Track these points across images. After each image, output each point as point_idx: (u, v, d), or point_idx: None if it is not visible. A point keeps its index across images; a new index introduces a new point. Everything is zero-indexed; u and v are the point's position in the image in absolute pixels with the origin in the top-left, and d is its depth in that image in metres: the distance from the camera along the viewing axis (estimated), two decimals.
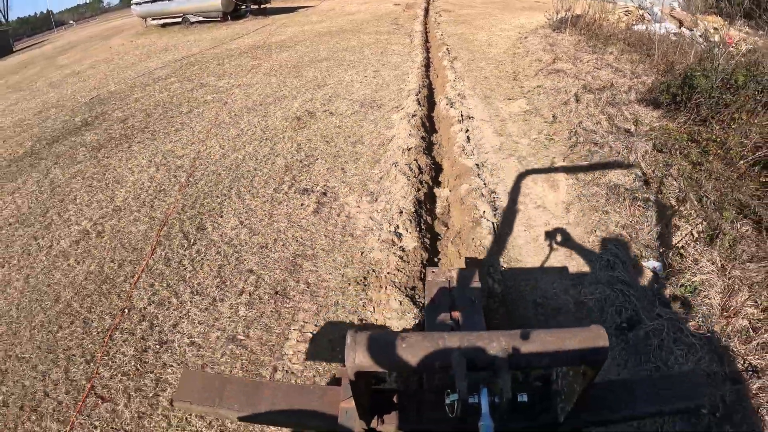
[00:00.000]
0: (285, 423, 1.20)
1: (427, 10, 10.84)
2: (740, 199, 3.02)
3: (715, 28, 8.51)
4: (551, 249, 2.72)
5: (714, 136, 3.89)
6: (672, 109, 4.49)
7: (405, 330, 2.18)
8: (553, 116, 4.50)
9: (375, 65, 6.70)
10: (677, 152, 3.70)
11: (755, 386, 1.81)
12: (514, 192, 3.28)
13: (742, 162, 3.53)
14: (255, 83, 6.42)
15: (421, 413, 1.07)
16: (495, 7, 11.86)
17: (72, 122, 6.56)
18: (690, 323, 2.19)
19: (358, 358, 0.85)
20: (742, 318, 2.21)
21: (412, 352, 0.85)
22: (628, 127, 4.26)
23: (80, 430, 1.98)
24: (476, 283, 1.56)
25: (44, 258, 3.29)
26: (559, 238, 2.80)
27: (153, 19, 14.63)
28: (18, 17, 43.72)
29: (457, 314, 1.43)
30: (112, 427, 1.97)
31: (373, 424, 1.08)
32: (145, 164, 4.40)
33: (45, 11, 44.50)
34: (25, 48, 24.96)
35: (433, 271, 1.66)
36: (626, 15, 8.65)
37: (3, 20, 33.36)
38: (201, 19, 13.42)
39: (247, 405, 1.13)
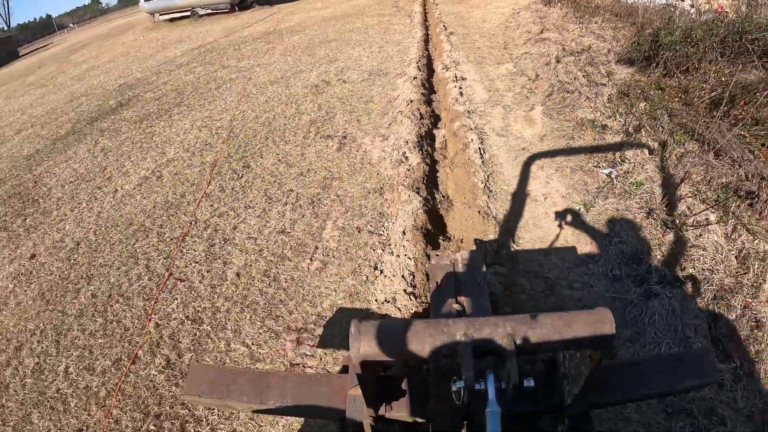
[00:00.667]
0: (293, 412, 1.23)
1: None
2: (692, 127, 3.84)
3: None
4: (528, 162, 3.57)
5: (676, 83, 4.70)
6: (644, 65, 5.29)
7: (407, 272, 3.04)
8: (536, 75, 5.33)
9: (379, 42, 7.56)
10: (640, 96, 4.52)
11: (694, 234, 2.66)
12: (498, 129, 4.14)
13: (698, 101, 4.34)
14: (273, 62, 7.32)
15: (428, 400, 1.10)
16: None
17: (106, 105, 7.50)
18: (635, 206, 3.02)
19: (363, 347, 0.86)
20: (682, 203, 3.03)
21: (418, 340, 0.86)
22: (602, 81, 5.09)
23: (163, 303, 2.84)
24: (481, 266, 1.57)
25: (111, 199, 4.21)
26: (534, 155, 3.65)
27: (161, 15, 15.60)
28: (17, 23, 45.07)
29: (462, 299, 1.45)
30: (189, 297, 2.84)
31: (381, 411, 1.10)
32: (188, 128, 5.32)
33: (44, 16, 45.91)
34: (29, 52, 26.14)
35: (437, 254, 1.66)
36: None
37: (6, 26, 34.70)
38: (209, 11, 14.37)
39: (255, 396, 1.16)
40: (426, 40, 7.51)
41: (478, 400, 0.86)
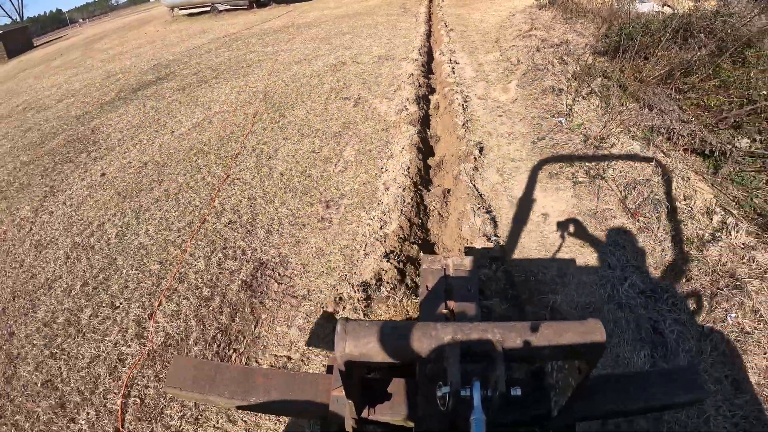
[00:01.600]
0: (276, 410, 1.27)
1: None
2: (636, 94, 5.16)
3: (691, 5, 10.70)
4: (500, 116, 4.89)
5: (635, 66, 6.06)
6: (613, 55, 6.66)
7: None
8: (518, 61, 6.70)
9: (388, 36, 8.99)
10: (600, 74, 5.87)
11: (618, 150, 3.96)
12: (480, 95, 5.47)
13: (648, 78, 5.68)
14: (295, 48, 8.73)
15: (412, 405, 1.12)
16: None
17: (145, 79, 8.87)
18: (576, 138, 4.31)
19: (348, 347, 0.88)
20: (613, 137, 4.30)
21: (405, 342, 0.88)
22: (574, 67, 6.45)
23: (224, 192, 4.09)
24: (472, 272, 1.61)
25: (170, 137, 5.51)
26: (505, 113, 4.98)
27: (181, 9, 17.19)
28: (27, 17, 47.20)
29: (452, 304, 1.48)
30: (245, 187, 4.07)
31: (364, 413, 1.13)
32: (228, 92, 6.67)
33: (54, 10, 48.08)
34: (43, 44, 27.81)
35: (428, 259, 1.68)
36: None
37: (19, 18, 36.65)
38: (228, 7, 15.95)
39: (238, 392, 1.19)
40: (428, 35, 8.93)
41: (464, 407, 0.87)
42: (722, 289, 2.38)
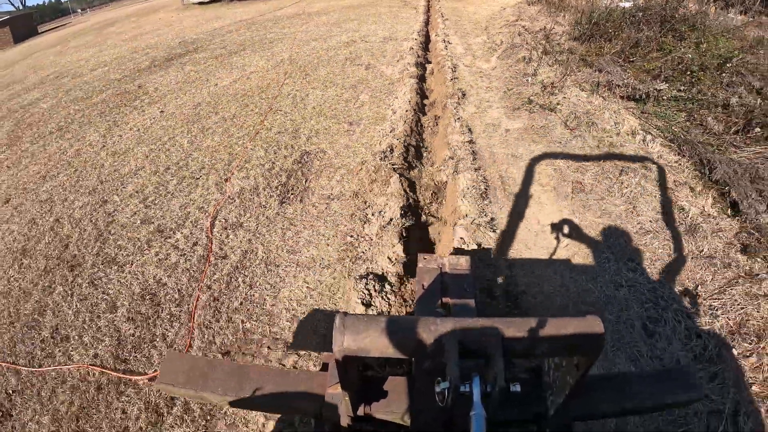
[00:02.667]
0: (270, 407, 1.31)
1: None
2: (591, 62, 6.71)
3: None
4: (480, 77, 6.42)
5: (597, 45, 7.64)
6: (584, 40, 8.25)
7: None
8: (501, 42, 8.27)
9: (390, 23, 10.56)
10: (566, 51, 7.43)
11: (564, 94, 5.49)
12: (467, 64, 7.01)
13: (607, 54, 7.25)
14: (310, 30, 10.27)
15: (410, 402, 1.15)
16: None
17: (174, 52, 10.31)
18: (537, 88, 5.82)
19: (346, 341, 0.91)
20: (566, 88, 5.82)
21: (404, 336, 0.91)
22: (545, 45, 8.03)
23: (270, 118, 5.55)
24: (468, 271, 1.67)
25: (214, 87, 6.96)
26: (485, 76, 6.51)
27: None
28: (28, 5, 48.52)
29: (448, 301, 1.55)
30: (285, 116, 5.55)
31: (360, 411, 1.16)
32: (258, 59, 8.17)
33: (53, 0, 49.50)
34: (47, 30, 29.12)
35: (425, 258, 1.73)
36: None
37: (21, 6, 38.05)
38: None
39: (232, 388, 1.22)
40: (426, 23, 10.53)
41: (462, 404, 0.89)
42: (632, 165, 3.88)
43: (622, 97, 5.54)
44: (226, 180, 4.22)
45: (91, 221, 3.89)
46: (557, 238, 3.04)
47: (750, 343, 2.14)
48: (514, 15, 10.51)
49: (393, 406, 1.19)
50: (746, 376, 2.01)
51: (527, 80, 6.11)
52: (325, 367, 1.33)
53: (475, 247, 2.89)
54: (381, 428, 1.20)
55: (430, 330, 0.92)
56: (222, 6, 17.52)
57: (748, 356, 2.08)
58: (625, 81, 5.61)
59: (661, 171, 3.65)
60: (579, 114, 4.89)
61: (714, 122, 4.58)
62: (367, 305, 2.55)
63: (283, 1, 16.38)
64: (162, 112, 6.31)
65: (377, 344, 0.92)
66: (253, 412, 2.10)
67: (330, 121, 5.22)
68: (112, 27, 18.98)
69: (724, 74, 5.33)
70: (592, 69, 6.43)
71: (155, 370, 2.45)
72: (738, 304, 2.34)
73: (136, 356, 2.58)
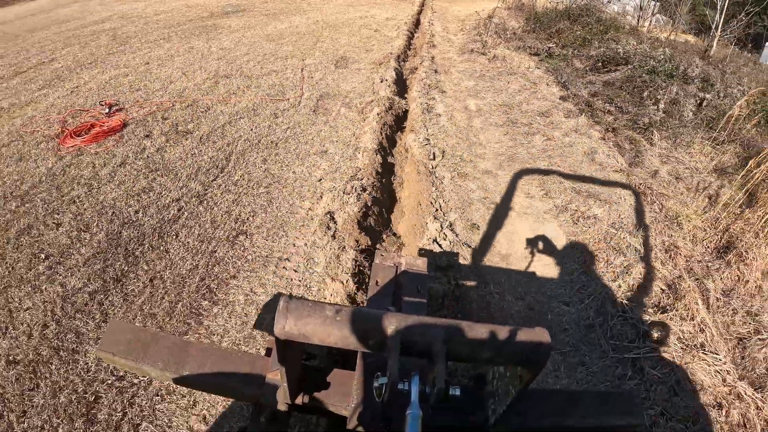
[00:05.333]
0: (209, 387, 1.41)
1: None
2: (531, 45, 11.54)
3: None
4: (448, 42, 11.16)
5: (537, 35, 12.56)
6: (530, 30, 13.18)
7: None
8: (473, 27, 13.12)
9: (392, 11, 15.36)
10: (514, 36, 12.32)
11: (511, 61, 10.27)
12: (440, 35, 11.78)
13: (535, 35, 12.15)
14: (330, 8, 15.00)
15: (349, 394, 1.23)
16: None
17: (227, 9, 14.77)
18: (485, 57, 10.56)
19: (288, 325, 0.97)
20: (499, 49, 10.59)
21: (347, 326, 0.97)
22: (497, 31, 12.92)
23: (319, 43, 10.13)
24: (423, 272, 1.81)
25: (273, 29, 11.53)
26: (450, 41, 11.25)
27: None
28: None
29: (401, 301, 1.68)
30: (332, 45, 10.14)
31: (298, 400, 1.25)
32: (298, 19, 12.81)
33: None
34: None
35: (381, 255, 1.88)
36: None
37: None
38: None
39: (172, 364, 1.30)
40: (419, 13, 15.41)
41: (400, 402, 0.96)
42: (515, 74, 8.59)
43: (530, 54, 10.31)
44: (303, 60, 8.70)
45: (233, 71, 8.28)
46: (470, 95, 7.62)
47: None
48: (489, 14, 15.49)
49: (334, 398, 1.32)
50: None
51: (478, 47, 10.89)
52: (269, 352, 1.45)
53: (430, 81, 7.44)
54: (318, 416, 1.32)
55: (375, 323, 1.00)
56: None
57: None
58: (533, 44, 10.44)
59: (536, 79, 8.32)
60: (499, 57, 9.64)
61: (579, 64, 9.35)
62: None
63: None
64: (243, 36, 10.73)
65: (319, 332, 0.99)
66: None
67: (355, 48, 9.81)
68: None
69: (596, 42, 10.16)
70: (522, 42, 11.29)
71: (289, 96, 6.86)
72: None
73: (280, 98, 6.96)
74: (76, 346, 2.91)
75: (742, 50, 18.89)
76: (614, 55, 8.63)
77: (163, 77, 7.77)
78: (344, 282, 2.96)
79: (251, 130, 5.83)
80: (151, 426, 2.47)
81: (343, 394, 1.33)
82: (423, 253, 3.41)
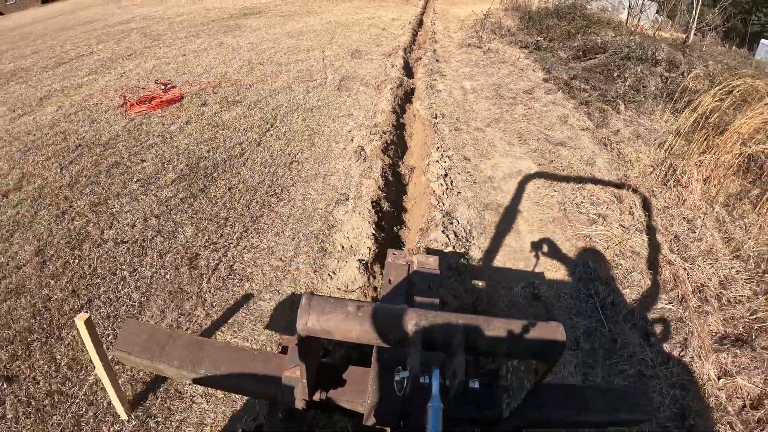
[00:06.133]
0: (226, 386, 1.45)
1: None
2: (521, 39, 13.12)
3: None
4: (448, 38, 12.74)
5: (528, 30, 14.17)
6: (523, 27, 14.80)
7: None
8: (471, 26, 14.73)
9: (397, 12, 17.01)
10: (507, 33, 13.92)
11: (502, 53, 11.85)
12: (443, 33, 13.38)
13: (526, 31, 13.76)
14: (340, 10, 16.66)
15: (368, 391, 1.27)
16: None
17: (244, 11, 16.43)
18: (478, 43, 12.15)
19: (311, 320, 1.02)
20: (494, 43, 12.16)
21: (369, 321, 1.02)
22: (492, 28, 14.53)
23: (334, 39, 11.70)
24: (435, 270, 1.88)
25: (291, 28, 13.16)
26: (450, 38, 12.84)
27: None
28: None
29: (414, 299, 1.75)
30: (345, 40, 11.74)
31: (316, 397, 1.31)
32: (312, 20, 14.45)
33: None
34: None
35: (393, 253, 1.96)
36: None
37: None
38: None
39: (188, 362, 1.35)
40: (422, 14, 17.07)
41: (420, 395, 1.00)
42: (502, 62, 10.14)
43: (521, 47, 11.86)
44: (323, 51, 10.25)
45: (264, 60, 9.82)
46: (466, 78, 9.14)
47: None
48: (485, 15, 17.14)
49: (350, 395, 1.38)
50: None
51: (473, 42, 12.47)
52: (284, 350, 1.49)
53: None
54: (336, 414, 1.38)
55: (396, 319, 1.05)
56: None
57: None
58: (523, 39, 12.01)
59: (524, 66, 9.84)
60: (493, 50, 11.20)
61: (563, 54, 10.89)
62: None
63: None
64: (265, 34, 12.32)
65: (341, 327, 1.05)
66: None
67: (366, 43, 11.39)
68: None
69: (580, 35, 11.71)
70: (514, 37, 12.86)
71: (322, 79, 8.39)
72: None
73: (309, 79, 8.49)
74: (176, 228, 4.32)
75: (739, 47, 20.71)
76: (593, 45, 10.15)
77: (204, 64, 9.32)
78: (375, 179, 4.43)
79: (289, 100, 7.35)
80: (242, 265, 3.89)
81: (359, 391, 1.40)
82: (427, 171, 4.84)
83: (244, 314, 3.34)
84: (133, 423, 2.60)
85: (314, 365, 1.30)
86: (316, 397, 1.34)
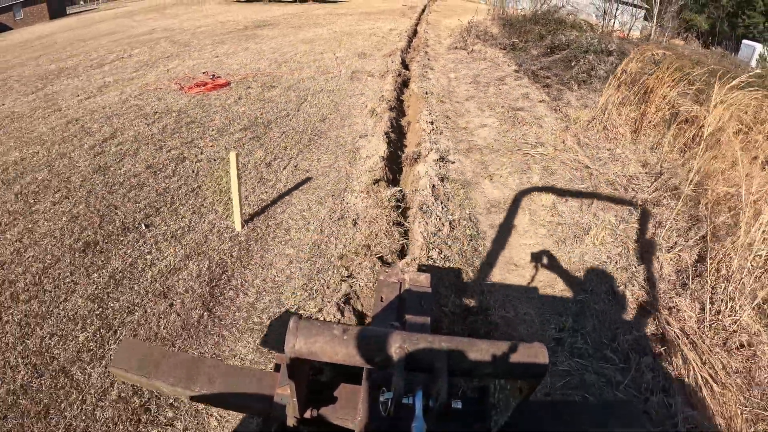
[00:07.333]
0: (220, 403, 1.53)
1: (424, 8, 24.51)
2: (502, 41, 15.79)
3: None
4: (439, 43, 15.42)
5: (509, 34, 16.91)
6: (506, 33, 17.54)
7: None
8: (459, 33, 17.44)
9: (394, 23, 19.78)
10: (490, 37, 16.63)
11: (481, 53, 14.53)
12: (434, 39, 16.08)
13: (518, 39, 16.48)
14: (343, 22, 19.46)
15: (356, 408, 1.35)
16: (467, 8, 25.81)
17: (256, 24, 19.17)
18: (463, 46, 14.81)
19: (298, 343, 1.09)
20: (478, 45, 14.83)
21: (353, 344, 1.09)
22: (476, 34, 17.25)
23: (341, 44, 14.34)
24: (427, 288, 1.97)
25: (304, 36, 15.87)
26: (441, 43, 15.51)
27: None
28: None
29: (404, 317, 1.82)
30: (350, 43, 14.38)
31: (307, 414, 1.37)
32: (320, 30, 17.20)
33: None
34: (75, 12, 37.31)
35: (386, 271, 2.05)
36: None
37: None
38: None
39: (182, 380, 1.43)
40: (416, 24, 19.86)
41: (405, 415, 1.07)
42: (484, 59, 12.76)
43: (500, 48, 14.48)
44: (334, 53, 12.85)
45: (287, 59, 12.39)
46: (453, 69, 11.71)
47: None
48: (472, 24, 19.96)
49: (341, 412, 1.44)
50: None
51: (459, 44, 15.13)
52: (277, 368, 1.56)
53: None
54: (326, 430, 1.43)
55: (380, 342, 1.12)
56: (260, 6, 26.83)
57: None
58: (502, 41, 14.67)
59: (501, 62, 12.41)
60: (476, 51, 13.84)
61: (535, 51, 13.52)
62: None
63: (312, 6, 25.82)
64: (281, 42, 14.94)
65: (327, 350, 1.12)
66: None
67: (369, 48, 14.03)
68: (170, 9, 27.81)
69: (550, 36, 14.33)
70: (493, 40, 15.54)
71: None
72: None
73: (327, 73, 11.03)
74: (252, 151, 6.75)
75: (726, 49, 23.81)
76: (560, 43, 12.77)
77: (237, 62, 11.90)
78: (385, 122, 6.93)
79: (314, 86, 9.91)
80: (302, 165, 6.29)
81: (350, 408, 1.47)
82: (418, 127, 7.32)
83: (308, 185, 5.76)
84: (245, 231, 4.95)
85: (304, 384, 1.40)
86: (308, 414, 1.44)
